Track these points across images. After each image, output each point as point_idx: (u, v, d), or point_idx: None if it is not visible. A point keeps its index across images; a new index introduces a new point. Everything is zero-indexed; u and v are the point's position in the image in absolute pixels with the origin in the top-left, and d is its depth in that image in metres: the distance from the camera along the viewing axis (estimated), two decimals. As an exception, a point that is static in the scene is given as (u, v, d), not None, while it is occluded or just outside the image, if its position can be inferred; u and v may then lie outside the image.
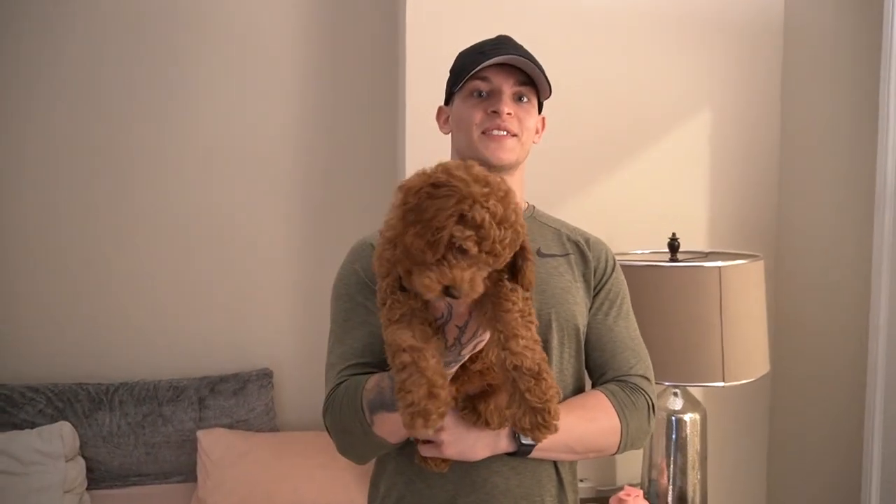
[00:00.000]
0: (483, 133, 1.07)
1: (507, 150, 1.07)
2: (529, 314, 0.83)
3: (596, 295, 1.12)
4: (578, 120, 1.95)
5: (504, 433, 0.97)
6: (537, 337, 0.82)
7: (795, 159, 2.02)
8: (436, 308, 0.82)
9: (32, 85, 2.39)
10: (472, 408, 0.96)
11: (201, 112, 2.48)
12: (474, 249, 0.75)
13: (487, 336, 0.85)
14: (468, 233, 0.75)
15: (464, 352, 0.86)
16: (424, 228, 0.76)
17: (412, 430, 0.77)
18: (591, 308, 1.11)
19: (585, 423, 1.03)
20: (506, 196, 0.78)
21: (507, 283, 0.82)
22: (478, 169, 0.79)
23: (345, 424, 0.99)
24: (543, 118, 1.18)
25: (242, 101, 2.49)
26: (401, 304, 0.82)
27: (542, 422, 0.79)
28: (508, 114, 1.06)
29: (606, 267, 1.14)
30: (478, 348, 0.87)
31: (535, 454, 0.99)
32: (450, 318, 0.83)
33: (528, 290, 0.83)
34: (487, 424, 0.96)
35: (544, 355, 0.81)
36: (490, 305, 0.82)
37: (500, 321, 0.81)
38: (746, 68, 2.04)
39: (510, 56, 1.05)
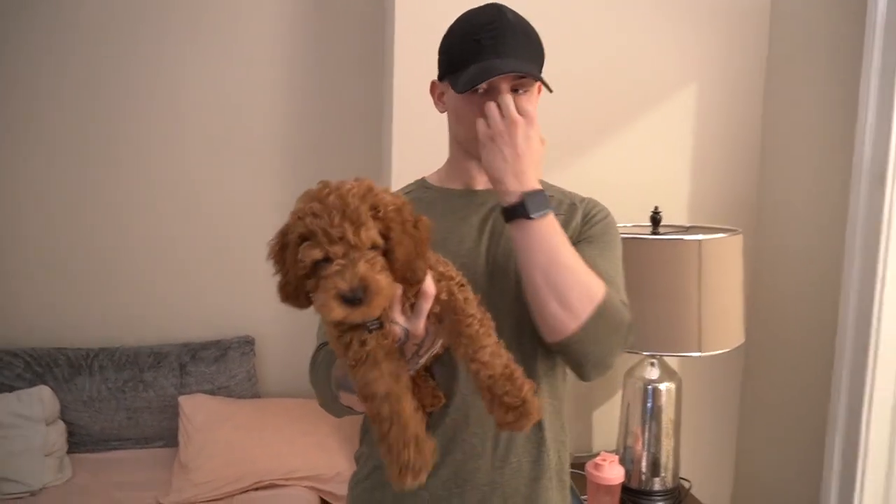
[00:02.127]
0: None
1: None
2: (485, 318, 0.85)
3: (580, 235, 1.08)
4: (562, 94, 1.92)
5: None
6: (497, 338, 0.85)
7: (777, 136, 2.05)
8: (392, 332, 0.82)
9: (23, 69, 2.33)
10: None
11: (182, 81, 2.44)
12: (327, 247, 0.74)
13: (440, 343, 0.89)
14: (311, 244, 0.74)
15: (421, 361, 0.89)
16: (290, 252, 0.77)
17: (401, 486, 0.80)
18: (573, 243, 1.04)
19: (578, 262, 0.95)
20: (342, 196, 0.76)
21: (458, 295, 0.84)
22: (316, 189, 0.79)
23: (320, 386, 1.02)
24: (539, 85, 1.10)
25: (225, 69, 2.46)
26: (361, 344, 0.81)
27: (524, 412, 0.82)
28: None
29: (597, 214, 1.11)
30: (433, 353, 0.90)
31: (520, 240, 0.94)
32: (406, 339, 0.84)
33: (410, 263, 0.80)
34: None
35: (510, 355, 0.85)
36: (448, 321, 0.85)
37: (464, 336, 0.83)
38: (731, 44, 2.05)
39: (507, 70, 0.99)
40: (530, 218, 0.93)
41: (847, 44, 1.75)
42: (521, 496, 1.05)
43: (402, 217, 0.80)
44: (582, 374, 1.01)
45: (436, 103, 1.13)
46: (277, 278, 0.81)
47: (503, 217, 0.97)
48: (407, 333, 0.83)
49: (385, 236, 0.78)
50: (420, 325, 0.83)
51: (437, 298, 0.83)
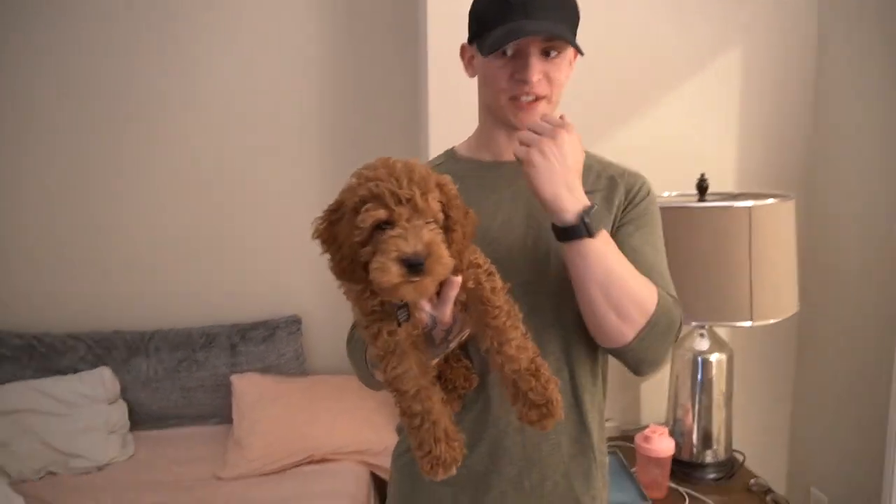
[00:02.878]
0: (511, 99, 0.99)
1: (536, 114, 0.99)
2: (512, 309, 0.83)
3: (624, 215, 1.04)
4: (605, 62, 1.90)
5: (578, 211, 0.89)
6: (525, 330, 0.83)
7: (829, 97, 1.96)
8: (420, 320, 0.81)
9: (50, 33, 2.39)
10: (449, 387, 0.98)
11: (229, 67, 2.47)
12: (393, 206, 0.71)
13: (467, 331, 0.87)
14: (374, 205, 0.72)
15: (451, 346, 0.88)
16: (346, 222, 0.75)
17: (434, 477, 0.82)
18: (616, 227, 1.03)
19: (631, 271, 0.93)
20: (409, 165, 0.75)
21: (485, 284, 0.82)
22: (376, 162, 0.77)
23: (356, 362, 1.03)
24: (575, 52, 1.04)
25: (257, 50, 2.47)
26: (390, 334, 0.80)
27: (547, 412, 0.81)
28: (537, 80, 0.97)
29: (640, 191, 1.06)
30: (462, 339, 0.89)
31: (578, 258, 0.90)
32: (434, 326, 0.83)
33: (461, 252, 0.79)
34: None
35: (536, 348, 0.84)
36: (474, 310, 0.83)
37: (490, 328, 0.82)
38: (782, 4, 1.96)
39: (535, 31, 0.94)
40: (591, 237, 0.89)
41: (908, -8, 1.65)
42: (560, 473, 1.04)
43: (460, 202, 0.80)
44: (636, 373, 1.00)
45: (465, 68, 1.10)
46: (326, 258, 0.79)
47: (556, 236, 0.91)
48: (434, 320, 0.83)
49: (445, 215, 0.77)
50: (447, 312, 0.82)
51: (463, 286, 0.82)
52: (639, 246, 1.01)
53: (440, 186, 0.77)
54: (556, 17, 0.97)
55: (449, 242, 0.76)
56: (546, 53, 0.98)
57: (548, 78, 0.99)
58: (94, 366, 2.34)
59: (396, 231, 0.71)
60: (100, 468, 2.14)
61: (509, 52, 0.97)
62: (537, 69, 0.97)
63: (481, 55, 1.00)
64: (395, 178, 0.73)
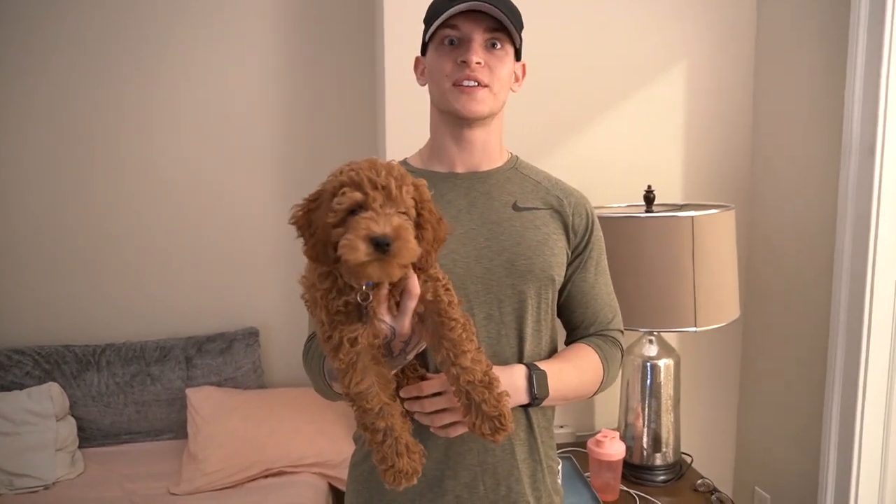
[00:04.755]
0: (453, 85, 1.03)
1: (478, 102, 1.03)
2: (468, 322, 0.87)
3: (579, 254, 1.13)
4: (554, 74, 1.96)
5: (522, 388, 1.01)
6: (479, 344, 0.88)
7: (768, 112, 2.06)
8: (380, 330, 0.84)
9: (22, 64, 2.34)
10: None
11: (184, 78, 2.46)
12: (368, 191, 0.75)
13: (424, 344, 0.91)
14: (352, 189, 0.76)
15: (408, 357, 0.91)
16: (324, 207, 0.78)
17: (396, 488, 0.86)
18: (570, 262, 1.12)
19: (580, 376, 1.09)
20: (390, 164, 0.80)
21: (443, 297, 0.86)
22: (367, 158, 0.81)
23: (313, 374, 1.05)
24: (524, 65, 1.13)
25: (217, 67, 2.47)
26: (352, 344, 0.82)
27: (499, 426, 0.86)
28: (478, 63, 1.02)
29: (587, 224, 1.13)
30: (418, 351, 0.92)
31: (542, 404, 1.04)
32: (394, 337, 0.86)
33: (429, 252, 0.83)
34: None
35: (489, 361, 0.88)
36: (431, 322, 0.87)
37: (446, 340, 0.85)
38: (721, 22, 2.06)
39: (476, 2, 0.99)
40: (547, 396, 1.02)
41: (835, 18, 1.76)
42: (514, 478, 1.07)
43: (433, 207, 0.84)
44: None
45: (418, 79, 1.14)
46: (299, 245, 0.81)
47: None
48: (393, 332, 0.85)
49: (418, 213, 0.81)
50: (406, 323, 0.85)
51: (422, 298, 0.85)
52: (593, 284, 1.15)
53: (416, 187, 0.81)
54: (501, 8, 1.02)
55: (419, 238, 0.80)
56: (491, 45, 1.04)
57: (490, 68, 1.04)
58: (41, 381, 2.27)
59: (368, 214, 0.75)
60: (47, 487, 2.07)
61: (455, 41, 1.04)
62: (479, 53, 1.02)
63: (426, 41, 1.06)
64: (375, 169, 0.77)
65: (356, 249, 0.72)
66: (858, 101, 1.64)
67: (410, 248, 0.75)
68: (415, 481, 0.86)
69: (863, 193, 1.64)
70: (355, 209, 0.76)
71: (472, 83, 1.02)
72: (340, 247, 0.74)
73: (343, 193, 0.76)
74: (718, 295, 1.71)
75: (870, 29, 1.60)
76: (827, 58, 1.80)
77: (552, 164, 1.97)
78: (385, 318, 0.84)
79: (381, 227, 0.73)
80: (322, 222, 0.77)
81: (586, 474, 1.80)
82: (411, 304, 0.84)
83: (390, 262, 0.74)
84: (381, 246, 0.72)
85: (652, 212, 1.80)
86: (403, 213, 0.78)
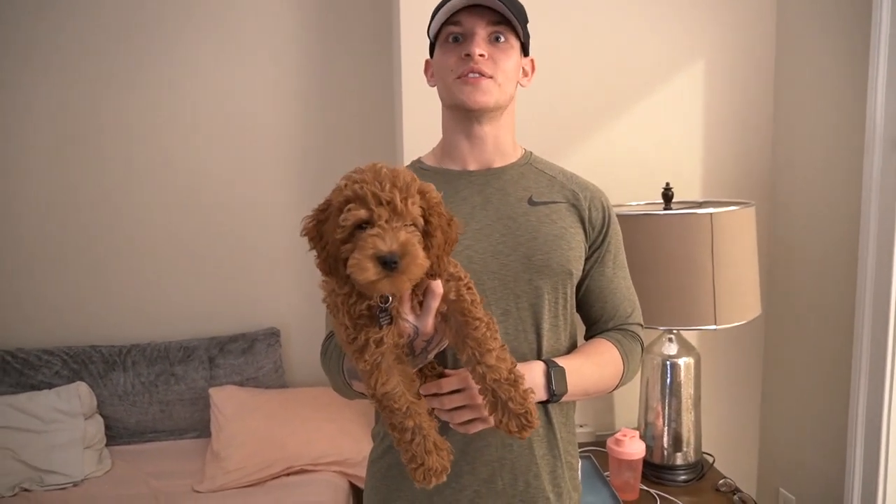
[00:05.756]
0: (458, 78, 1.04)
1: (483, 92, 1.03)
2: (491, 321, 0.87)
3: (596, 248, 1.13)
4: (572, 71, 1.96)
5: (540, 385, 1.00)
6: (503, 342, 0.88)
7: (789, 107, 2.04)
8: (404, 329, 0.84)
9: (27, 59, 2.40)
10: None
11: (204, 78, 2.50)
12: (373, 207, 0.75)
13: (447, 341, 0.91)
14: (357, 204, 0.76)
15: (430, 356, 0.92)
16: (332, 220, 0.78)
17: (427, 486, 0.86)
18: (588, 257, 1.12)
19: (599, 371, 1.08)
20: (395, 171, 0.79)
21: (465, 296, 0.86)
22: (365, 166, 0.80)
23: (332, 373, 1.06)
24: (532, 60, 1.14)
25: (234, 66, 2.51)
26: (377, 345, 0.82)
27: (526, 423, 0.86)
28: (481, 55, 1.02)
29: (604, 217, 1.13)
30: (440, 350, 0.93)
31: (561, 400, 1.04)
32: (416, 336, 0.87)
33: (440, 257, 0.83)
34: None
35: (513, 359, 0.88)
36: (454, 322, 0.87)
37: (471, 339, 0.86)
38: (741, 16, 2.04)
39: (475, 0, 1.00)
40: (566, 392, 1.02)
41: (856, 10, 1.73)
42: (532, 473, 1.07)
43: (442, 210, 0.83)
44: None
45: (428, 81, 1.16)
46: (313, 255, 0.82)
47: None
48: (416, 331, 0.86)
49: (425, 220, 0.80)
50: (429, 322, 0.85)
51: (444, 297, 0.86)
52: (611, 278, 1.14)
53: (422, 193, 0.81)
54: (505, 3, 1.03)
55: (428, 247, 0.80)
56: (495, 39, 1.05)
57: (494, 60, 1.04)
58: (70, 381, 2.33)
59: (375, 230, 0.75)
60: (75, 484, 2.12)
61: (459, 38, 1.05)
62: (481, 45, 1.03)
63: (436, 44, 1.08)
64: (379, 182, 0.76)
65: (365, 269, 0.73)
66: (882, 94, 1.61)
67: (419, 262, 0.76)
68: (444, 478, 0.87)
69: (887, 188, 1.61)
70: (362, 224, 0.76)
71: (475, 75, 1.03)
72: (349, 266, 0.75)
73: (348, 210, 0.76)
74: (739, 293, 1.69)
75: (892, 21, 1.58)
76: (848, 50, 1.77)
77: (571, 162, 1.97)
78: (409, 318, 0.84)
79: (387, 245, 0.73)
80: (331, 237, 0.78)
81: (606, 473, 1.80)
82: (435, 303, 0.85)
83: (399, 277, 0.75)
84: (388, 264, 0.73)
85: (671, 209, 1.79)
86: (410, 224, 0.78)
